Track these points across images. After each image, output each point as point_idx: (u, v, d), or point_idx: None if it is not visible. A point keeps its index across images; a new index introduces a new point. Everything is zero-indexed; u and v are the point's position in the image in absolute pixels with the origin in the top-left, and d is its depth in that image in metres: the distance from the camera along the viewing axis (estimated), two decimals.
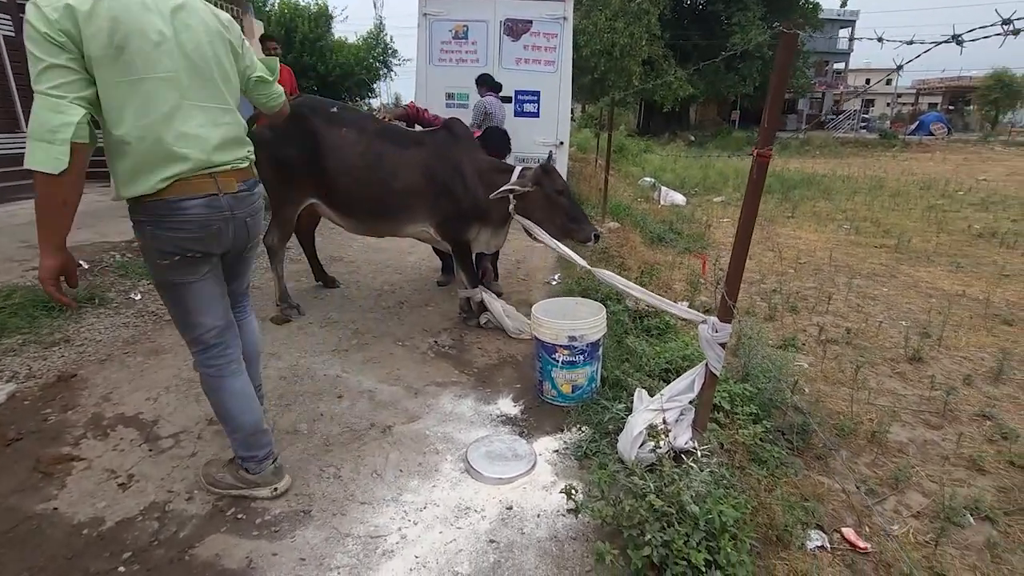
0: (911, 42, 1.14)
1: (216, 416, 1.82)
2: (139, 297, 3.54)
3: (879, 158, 16.86)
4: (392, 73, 20.36)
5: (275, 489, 1.86)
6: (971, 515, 2.03)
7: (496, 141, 3.44)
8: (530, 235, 3.02)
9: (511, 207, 3.00)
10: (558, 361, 2.35)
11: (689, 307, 2.69)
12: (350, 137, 2.99)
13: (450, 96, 6.08)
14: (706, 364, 2.04)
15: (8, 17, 6.41)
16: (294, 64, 16.99)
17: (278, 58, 5.90)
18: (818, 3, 21.21)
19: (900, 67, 1.17)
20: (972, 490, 2.17)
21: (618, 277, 2.39)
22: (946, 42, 1.02)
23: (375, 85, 20.25)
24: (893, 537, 1.88)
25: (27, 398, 2.40)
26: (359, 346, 3.05)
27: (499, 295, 3.95)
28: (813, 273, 5.06)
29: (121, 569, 1.56)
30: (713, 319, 2.00)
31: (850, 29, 30.33)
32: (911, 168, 13.59)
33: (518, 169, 3.09)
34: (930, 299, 4.41)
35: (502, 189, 2.92)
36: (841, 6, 22.85)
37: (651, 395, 2.22)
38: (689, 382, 2.09)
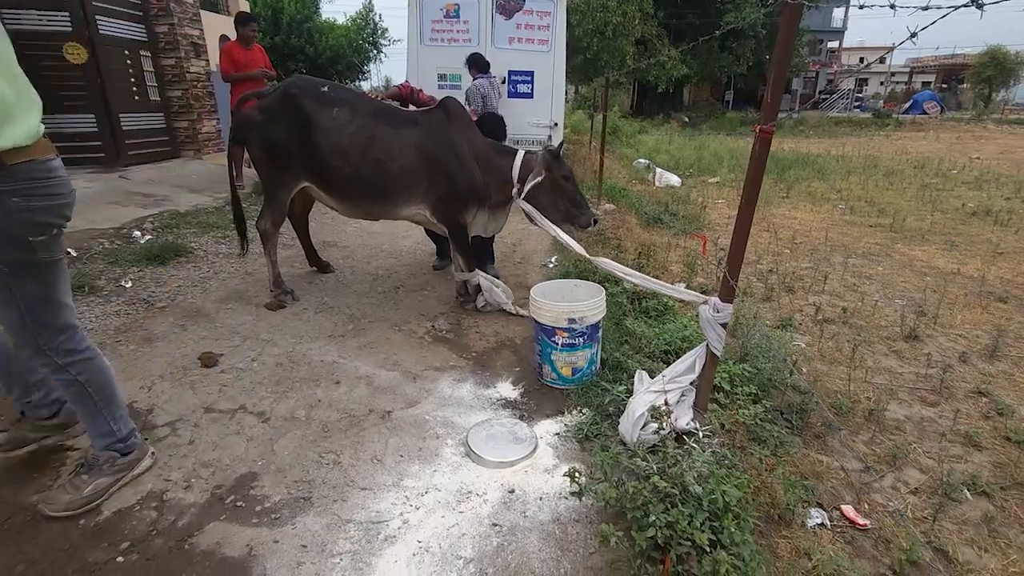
0: (927, 8, 1.10)
1: (102, 400, 1.70)
2: (130, 285, 3.48)
3: (873, 137, 16.83)
4: (383, 55, 20.04)
5: (153, 454, 1.90)
6: (968, 490, 2.05)
7: (491, 127, 3.36)
8: (530, 219, 3.01)
9: (514, 191, 2.99)
10: (558, 344, 2.33)
11: (687, 288, 2.68)
12: (342, 117, 2.92)
13: (442, 77, 5.96)
14: (707, 345, 2.02)
15: None
16: (282, 46, 16.66)
17: (252, 40, 5.77)
18: None
19: (914, 34, 1.13)
20: (969, 466, 2.19)
21: (617, 264, 2.38)
22: (965, 6, 0.98)
23: (366, 67, 19.94)
24: (893, 513, 1.89)
25: None
26: (355, 331, 3.02)
27: (495, 278, 3.90)
28: (809, 253, 5.05)
29: (120, 559, 1.54)
30: (714, 299, 1.98)
31: (844, 7, 30.02)
32: (905, 147, 13.58)
33: (521, 152, 3.06)
34: (925, 278, 4.43)
35: (528, 186, 2.95)
36: None
37: (651, 377, 2.21)
38: (690, 363, 2.07)
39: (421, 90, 3.55)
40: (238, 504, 1.76)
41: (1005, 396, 2.67)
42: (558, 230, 2.85)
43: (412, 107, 3.46)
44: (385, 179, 2.98)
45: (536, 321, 2.41)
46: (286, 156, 2.99)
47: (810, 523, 1.79)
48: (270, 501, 1.77)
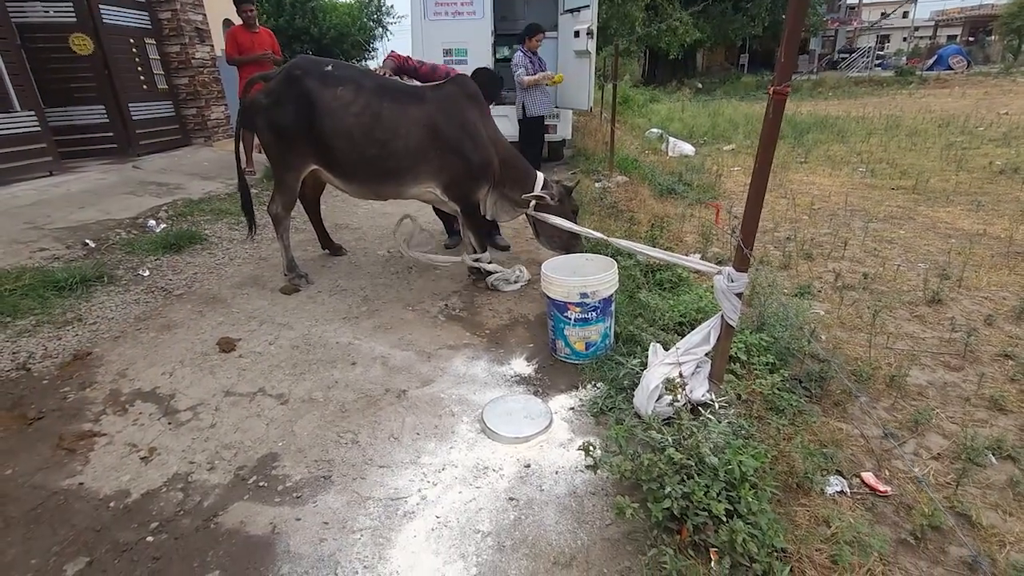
0: None
1: None
2: (147, 273, 3.54)
3: (895, 96, 16.22)
4: (388, 33, 19.75)
5: None
6: (993, 455, 2.01)
7: (483, 82, 3.26)
8: (535, 231, 3.32)
9: (531, 203, 3.20)
10: (570, 319, 2.31)
11: (702, 259, 2.64)
12: (346, 96, 2.88)
13: (447, 52, 5.85)
14: (721, 315, 1.99)
15: None
16: (286, 28, 16.49)
17: (255, 21, 5.71)
18: None
19: None
20: (994, 430, 2.15)
21: (632, 243, 2.36)
22: None
23: (372, 46, 19.67)
24: (915, 479, 1.87)
25: (45, 377, 2.43)
26: (369, 312, 3.04)
27: (505, 248, 3.90)
28: (828, 219, 4.93)
29: (149, 539, 1.59)
30: (728, 269, 1.94)
31: None
32: (929, 105, 13.07)
33: (541, 177, 3.24)
34: (949, 240, 4.29)
35: (535, 194, 3.15)
36: None
37: (666, 349, 2.19)
38: (705, 334, 2.05)
39: (409, 57, 3.46)
40: (260, 484, 1.80)
41: None
42: (570, 224, 3.02)
43: (409, 80, 3.37)
44: (392, 158, 2.95)
45: (548, 297, 2.39)
46: (293, 139, 2.98)
47: (829, 491, 1.78)
48: (291, 480, 1.81)
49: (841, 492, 1.79)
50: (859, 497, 1.78)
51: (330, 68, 2.96)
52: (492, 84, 3.39)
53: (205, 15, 6.84)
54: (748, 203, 1.83)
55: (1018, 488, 1.85)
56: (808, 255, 4.00)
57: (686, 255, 2.31)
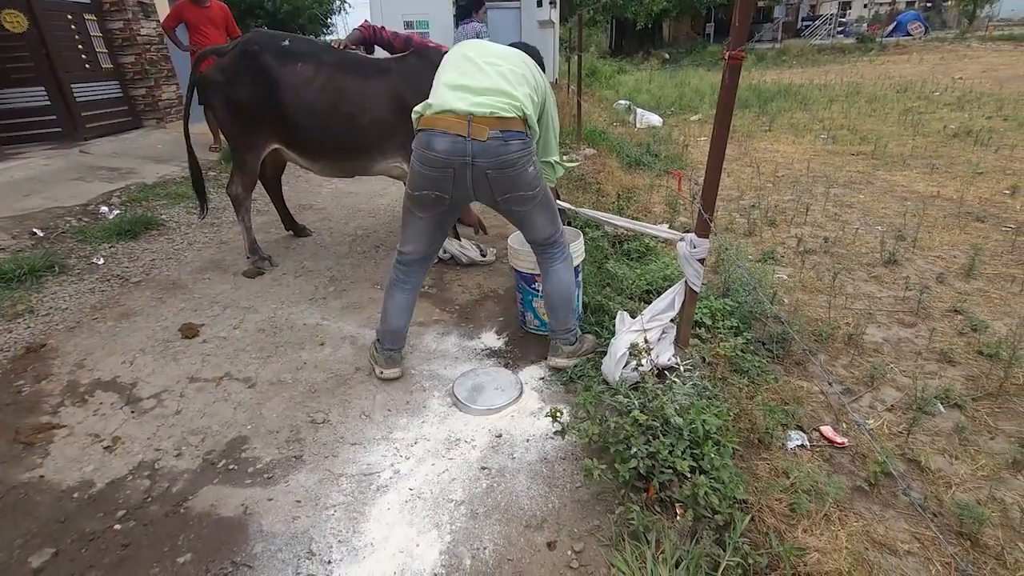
0: None
1: None
2: (102, 262, 3.40)
3: (856, 64, 16.47)
4: (347, 4, 19.03)
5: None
6: (941, 404, 2.12)
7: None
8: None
9: None
10: (538, 291, 2.32)
11: (669, 228, 2.66)
12: (306, 72, 2.78)
13: (409, 25, 5.69)
14: (685, 281, 2.03)
15: None
16: (238, 2, 15.73)
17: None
18: None
19: None
20: (943, 381, 2.26)
21: (597, 212, 2.37)
22: None
23: (330, 19, 18.95)
24: (868, 431, 1.96)
25: None
26: (337, 293, 2.99)
27: (473, 226, 3.87)
28: (791, 185, 5.02)
29: (117, 527, 1.57)
30: (691, 235, 1.97)
31: None
32: (888, 72, 13.34)
33: None
34: (905, 203, 4.43)
35: None
36: None
37: (633, 317, 2.22)
38: (669, 301, 2.08)
39: (383, 27, 3.35)
40: (230, 467, 1.78)
41: (980, 313, 2.73)
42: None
43: (380, 51, 3.27)
44: (358, 133, 2.87)
45: (515, 270, 2.39)
46: (252, 117, 2.87)
47: (790, 445, 1.85)
48: (262, 462, 1.80)
49: (801, 446, 1.87)
50: (818, 449, 1.87)
51: (287, 43, 2.84)
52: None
53: None
54: (708, 169, 1.85)
55: (963, 433, 1.96)
56: (772, 222, 4.07)
57: (655, 225, 2.33)
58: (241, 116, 2.87)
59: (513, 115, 1.80)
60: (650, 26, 20.79)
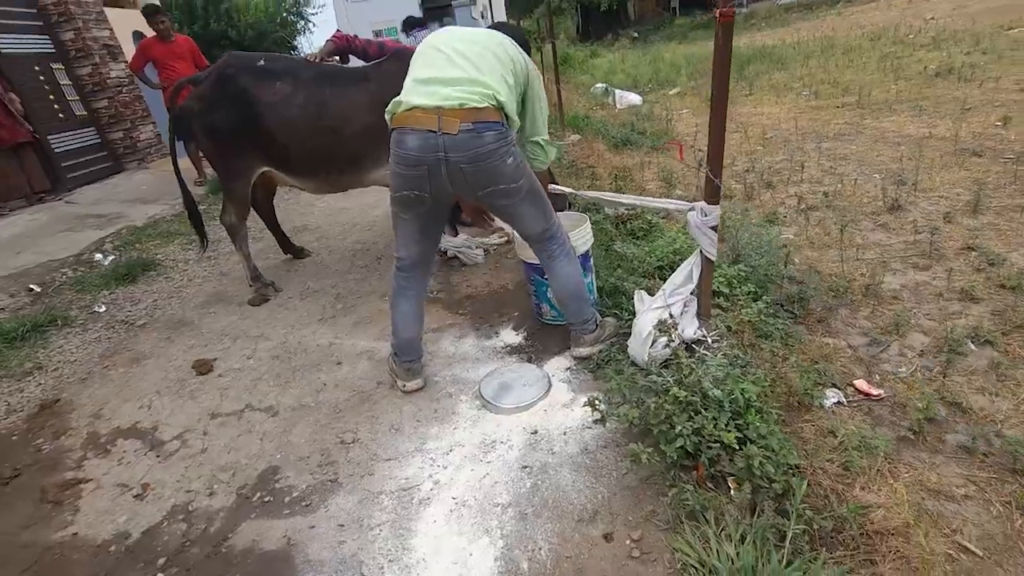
0: None
1: None
2: (104, 309, 3.35)
3: (825, 18, 16.41)
4: (311, 24, 18.90)
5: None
6: (972, 342, 2.09)
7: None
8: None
9: None
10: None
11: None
12: (285, 89, 2.73)
13: (377, 34, 5.63)
14: (700, 251, 1.99)
15: None
16: (202, 33, 15.61)
17: (170, 31, 5.38)
18: None
19: None
20: (969, 319, 2.23)
21: (598, 193, 2.32)
22: None
23: (295, 41, 18.82)
24: (903, 379, 1.93)
25: (14, 433, 2.29)
26: (345, 310, 2.95)
27: (470, 225, 3.84)
28: (782, 146, 4.99)
29: (160, 575, 1.53)
30: (700, 204, 1.93)
31: None
32: (858, 21, 13.29)
33: None
34: (899, 147, 4.40)
35: None
36: None
37: (651, 295, 2.18)
38: (687, 273, 2.05)
39: (356, 36, 3.29)
40: (266, 500, 1.74)
41: (993, 246, 2.69)
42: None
43: (355, 60, 3.21)
44: (346, 145, 2.82)
45: (525, 262, 2.35)
46: (236, 142, 2.82)
47: (828, 403, 1.82)
48: (297, 490, 1.76)
49: (839, 403, 1.84)
50: (856, 404, 1.83)
51: (263, 63, 2.79)
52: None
53: (112, 30, 6.38)
54: (711, 132, 1.81)
55: (1000, 369, 1.93)
56: (769, 184, 4.04)
57: (660, 199, 2.29)
58: (225, 142, 2.82)
59: (485, 104, 1.70)
60: (615, 7, 20.73)
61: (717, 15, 1.65)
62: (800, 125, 5.47)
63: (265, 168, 2.92)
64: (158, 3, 5.26)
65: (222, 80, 2.74)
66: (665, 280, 2.20)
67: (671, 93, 8.58)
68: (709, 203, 1.91)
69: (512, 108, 1.81)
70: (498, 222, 3.21)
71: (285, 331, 2.80)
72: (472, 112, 1.68)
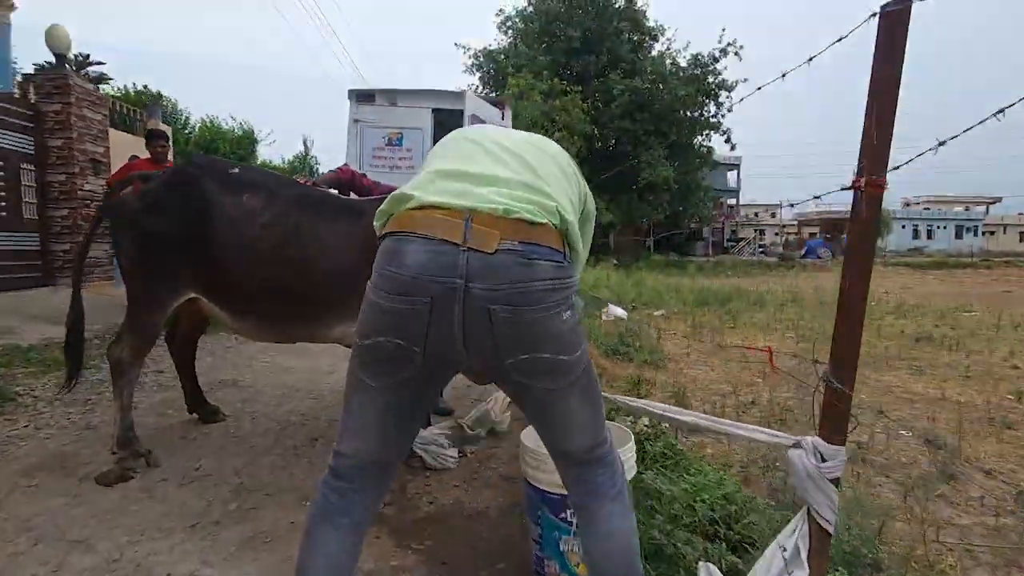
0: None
1: None
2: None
3: (785, 276, 18.23)
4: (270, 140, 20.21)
5: None
6: None
7: None
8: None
9: None
10: (573, 522, 1.45)
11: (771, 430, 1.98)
12: (253, 203, 2.20)
13: (388, 141, 5.72)
14: (807, 512, 1.29)
15: None
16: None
17: (166, 156, 5.27)
18: (711, 147, 24.41)
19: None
20: None
21: (655, 404, 1.67)
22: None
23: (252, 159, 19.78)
24: None
25: None
26: (240, 513, 1.97)
27: (448, 413, 3.11)
28: (785, 380, 4.62)
29: None
30: (813, 439, 1.30)
31: (736, 171, 35.40)
32: (819, 284, 14.59)
33: None
34: (913, 404, 4.08)
35: None
36: (731, 149, 26.15)
37: (722, 572, 1.38)
38: (790, 549, 1.29)
39: (364, 175, 2.96)
40: None
41: None
42: None
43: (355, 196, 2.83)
44: (310, 285, 2.21)
45: (532, 486, 1.54)
46: (168, 254, 2.20)
47: None
48: None
49: None
50: None
51: (236, 171, 2.32)
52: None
53: (108, 148, 6.24)
54: (840, 326, 1.26)
55: None
56: (782, 420, 3.52)
57: (747, 425, 1.64)
58: (153, 256, 2.21)
59: (545, 220, 1.06)
60: (600, 235, 23.22)
61: (860, 185, 1.22)
62: (794, 362, 5.21)
63: (194, 294, 2.24)
64: (166, 131, 5.14)
65: (182, 179, 2.24)
66: (724, 543, 1.43)
67: (656, 314, 8.65)
68: (831, 441, 1.27)
69: (577, 236, 1.15)
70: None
71: (126, 538, 1.75)
72: (521, 227, 1.03)
